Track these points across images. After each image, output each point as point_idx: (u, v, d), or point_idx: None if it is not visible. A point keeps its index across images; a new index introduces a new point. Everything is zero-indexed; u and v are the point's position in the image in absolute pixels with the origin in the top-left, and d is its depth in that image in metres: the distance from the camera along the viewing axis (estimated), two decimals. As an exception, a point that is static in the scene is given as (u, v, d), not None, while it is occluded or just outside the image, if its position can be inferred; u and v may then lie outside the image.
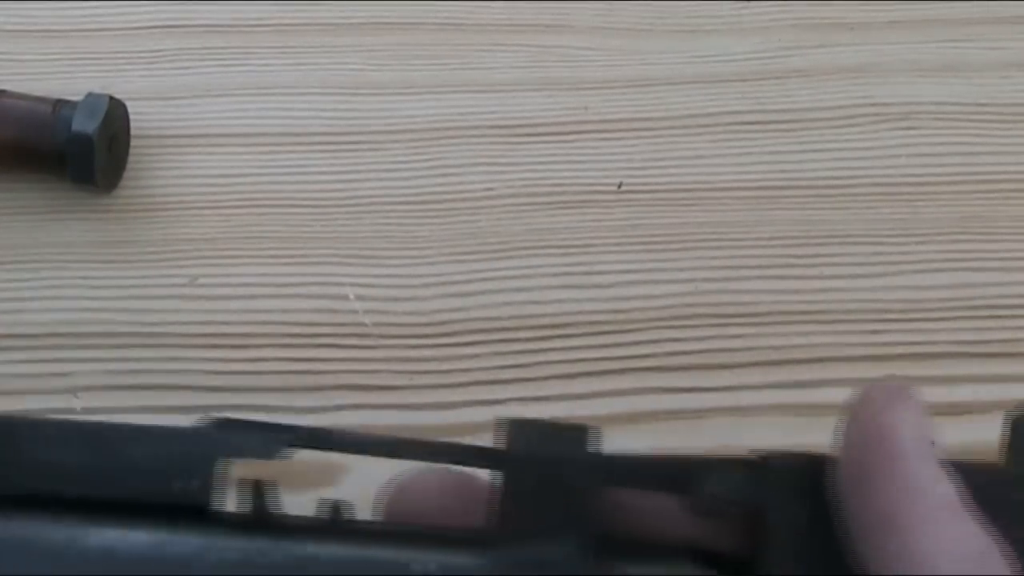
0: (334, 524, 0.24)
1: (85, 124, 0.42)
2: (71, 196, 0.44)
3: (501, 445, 0.24)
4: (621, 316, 0.42)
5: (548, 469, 0.24)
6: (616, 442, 0.29)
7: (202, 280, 0.42)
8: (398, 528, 0.25)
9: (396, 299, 0.42)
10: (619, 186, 0.45)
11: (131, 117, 0.45)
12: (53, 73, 0.47)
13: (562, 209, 0.44)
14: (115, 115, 0.43)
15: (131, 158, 0.45)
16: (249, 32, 0.48)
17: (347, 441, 0.24)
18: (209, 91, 0.47)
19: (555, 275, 0.43)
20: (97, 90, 0.43)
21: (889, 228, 0.44)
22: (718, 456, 0.25)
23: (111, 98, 0.43)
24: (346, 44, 0.48)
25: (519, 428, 0.24)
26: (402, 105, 0.46)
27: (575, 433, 0.25)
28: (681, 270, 0.43)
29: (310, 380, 0.40)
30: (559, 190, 0.45)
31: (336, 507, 0.25)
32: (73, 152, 0.42)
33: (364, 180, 0.45)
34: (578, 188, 0.45)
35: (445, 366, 0.41)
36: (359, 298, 0.42)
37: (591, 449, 0.24)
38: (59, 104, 0.43)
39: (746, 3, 0.49)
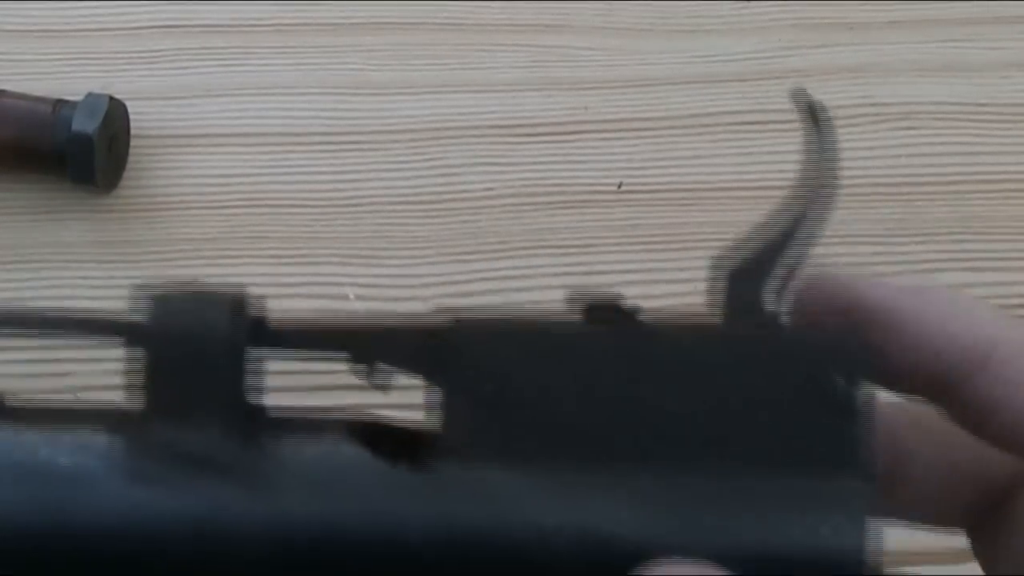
0: None
1: (85, 124, 0.42)
2: (71, 196, 0.44)
3: (143, 317, 0.23)
4: (621, 316, 0.42)
5: (191, 340, 0.22)
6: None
7: (202, 280, 0.42)
8: (48, 408, 0.24)
9: (396, 299, 0.42)
10: (619, 186, 0.45)
11: (131, 117, 0.45)
12: (53, 73, 0.47)
13: (562, 209, 0.44)
14: (115, 115, 0.43)
15: (131, 158, 0.45)
16: (249, 32, 0.48)
17: None
18: (209, 91, 0.47)
19: (555, 275, 0.43)
20: (97, 90, 0.43)
21: (889, 228, 0.44)
22: (401, 322, 0.23)
23: (111, 98, 0.43)
24: (346, 44, 0.48)
25: (161, 298, 0.23)
26: (402, 105, 0.46)
27: (226, 299, 0.23)
28: (681, 270, 0.43)
29: (310, 380, 0.40)
30: (559, 190, 0.45)
31: None
32: (73, 152, 0.42)
33: (364, 180, 0.45)
34: (578, 188, 0.45)
35: (445, 366, 0.41)
36: (359, 298, 0.42)
37: (242, 316, 0.23)
38: (59, 104, 0.43)
39: (746, 3, 0.49)
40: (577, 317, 0.23)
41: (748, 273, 0.23)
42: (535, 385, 0.22)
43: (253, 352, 0.24)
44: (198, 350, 0.23)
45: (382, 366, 0.23)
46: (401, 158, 0.45)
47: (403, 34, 0.48)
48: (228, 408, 0.23)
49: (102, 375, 0.41)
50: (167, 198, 0.44)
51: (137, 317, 0.23)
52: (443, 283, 0.42)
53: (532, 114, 0.46)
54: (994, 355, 0.21)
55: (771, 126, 0.46)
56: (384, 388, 0.23)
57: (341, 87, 0.47)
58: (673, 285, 0.43)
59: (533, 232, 0.44)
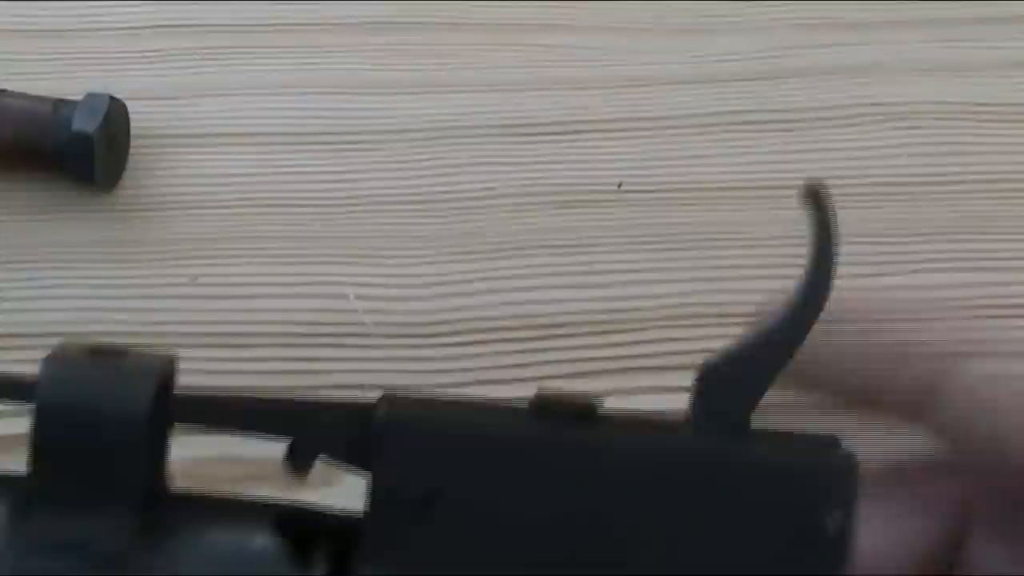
0: None
1: (85, 124, 0.42)
2: (71, 196, 0.44)
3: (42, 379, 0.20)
4: (621, 316, 0.42)
5: (85, 415, 0.19)
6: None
7: (202, 280, 0.42)
8: None
9: (396, 299, 0.42)
10: (619, 186, 0.45)
11: (131, 117, 0.45)
12: (53, 73, 0.47)
13: (562, 209, 0.44)
14: (115, 115, 0.43)
15: (131, 158, 0.45)
16: (249, 32, 0.48)
17: None
18: (209, 91, 0.47)
19: (555, 275, 0.43)
20: (97, 90, 0.43)
21: (889, 228, 0.44)
22: (334, 400, 0.20)
23: (111, 98, 0.43)
24: (346, 44, 0.48)
25: (57, 363, 0.20)
26: (402, 105, 0.46)
27: (129, 370, 0.20)
28: (681, 270, 0.43)
29: (310, 380, 0.40)
30: (559, 190, 0.45)
31: None
32: (73, 152, 0.42)
33: (364, 180, 0.45)
34: (578, 188, 0.45)
35: (445, 366, 0.41)
36: (359, 298, 0.42)
37: (146, 388, 0.20)
38: (59, 104, 0.43)
39: (747, 3, 0.49)
40: (524, 411, 0.20)
41: (724, 377, 0.21)
42: (467, 487, 0.19)
43: (167, 429, 0.21)
44: (101, 430, 0.19)
45: (303, 450, 0.20)
46: (401, 158, 0.45)
47: (403, 34, 0.48)
48: (134, 493, 0.19)
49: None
50: (167, 198, 0.44)
51: (33, 378, 0.20)
52: (443, 283, 0.42)
53: (532, 114, 0.46)
54: None
55: (771, 126, 0.46)
56: (302, 475, 0.21)
57: (341, 87, 0.47)
58: (673, 285, 0.43)
59: (533, 232, 0.44)
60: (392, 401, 0.20)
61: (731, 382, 0.21)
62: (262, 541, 0.19)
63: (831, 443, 0.20)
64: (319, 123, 0.46)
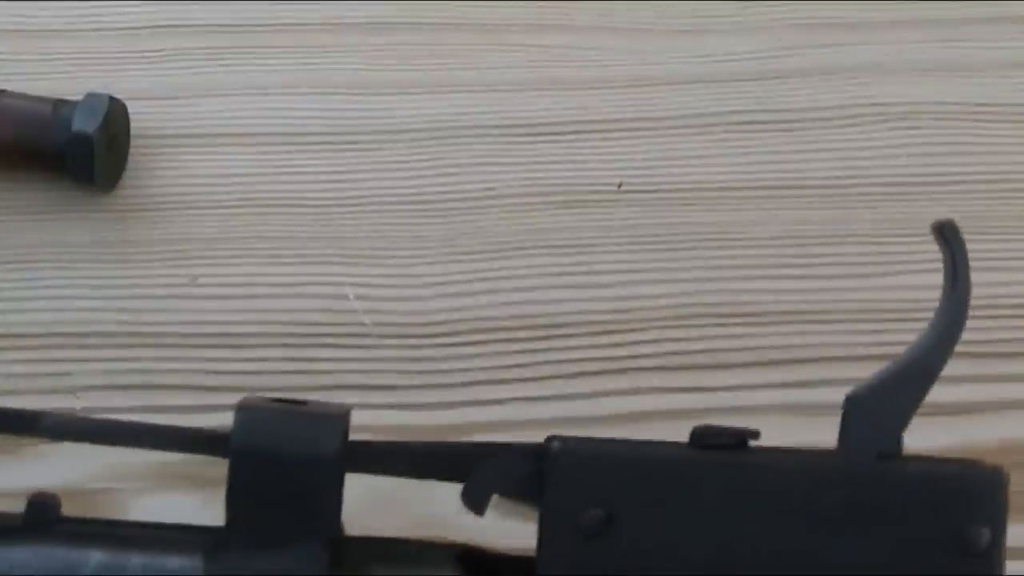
0: (43, 522, 0.22)
1: (85, 124, 0.42)
2: (71, 196, 0.44)
3: (234, 431, 0.21)
4: (621, 316, 0.42)
5: (278, 460, 0.21)
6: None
7: (202, 280, 0.42)
8: (116, 528, 0.22)
9: (396, 299, 0.42)
10: (619, 186, 0.45)
11: (131, 117, 0.45)
12: (53, 73, 0.47)
13: (562, 209, 0.44)
14: (115, 115, 0.43)
15: (131, 158, 0.45)
16: (249, 32, 0.48)
17: (56, 426, 0.22)
18: (209, 91, 0.47)
19: (555, 275, 0.43)
20: (97, 90, 0.43)
21: (889, 228, 0.44)
22: (501, 442, 0.22)
23: (111, 98, 0.43)
24: (346, 44, 0.48)
25: (249, 412, 0.21)
26: (402, 105, 0.46)
27: (315, 418, 0.21)
28: (681, 270, 0.43)
29: (310, 380, 0.40)
30: (559, 190, 0.45)
31: (44, 505, 0.22)
32: (73, 152, 0.42)
33: (364, 180, 0.45)
34: (578, 188, 0.45)
35: (445, 366, 0.41)
36: (359, 298, 0.42)
37: (333, 435, 0.21)
38: (59, 104, 0.43)
39: (747, 3, 0.49)
40: (683, 443, 0.21)
41: (872, 404, 0.22)
42: (637, 512, 0.20)
43: (348, 476, 0.22)
44: (294, 472, 0.21)
45: (478, 490, 0.22)
46: (401, 158, 0.45)
47: (403, 34, 0.48)
48: (325, 530, 0.21)
49: (102, 375, 0.41)
50: (167, 198, 0.44)
51: (225, 432, 0.21)
52: (443, 283, 0.42)
53: (532, 114, 0.46)
54: None
55: (771, 126, 0.46)
56: (480, 511, 0.22)
57: (341, 87, 0.47)
58: (673, 285, 0.43)
59: (533, 232, 0.44)
60: (561, 439, 0.21)
61: (878, 409, 0.22)
62: (446, 566, 0.21)
63: (979, 464, 0.21)
64: (319, 123, 0.46)
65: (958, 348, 0.42)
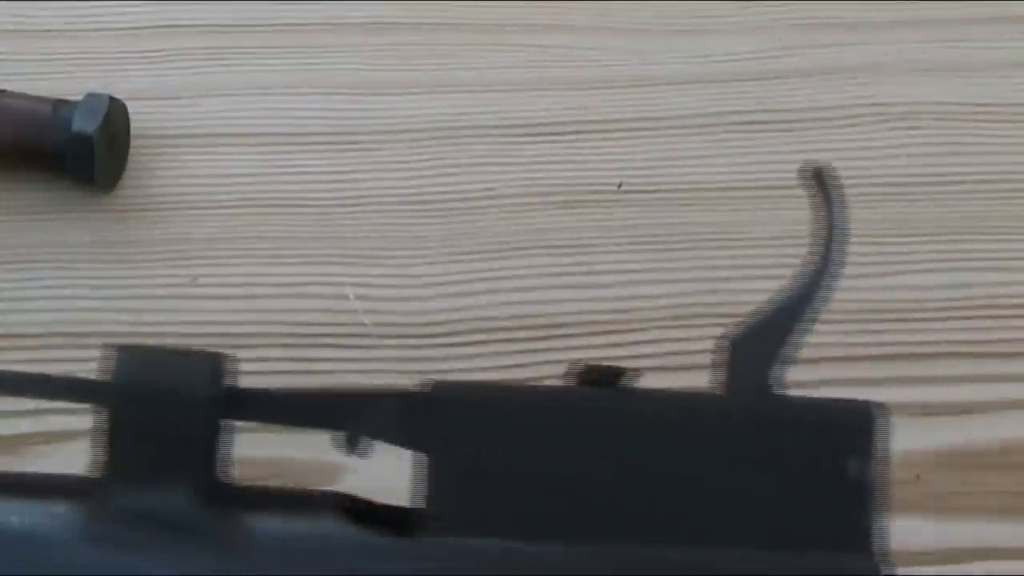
0: None
1: (85, 124, 0.42)
2: (71, 196, 0.44)
3: (107, 377, 0.21)
4: (621, 316, 0.42)
5: (163, 401, 0.21)
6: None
7: (202, 280, 0.42)
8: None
9: (396, 299, 0.42)
10: (619, 186, 0.45)
11: (131, 117, 0.45)
12: (53, 73, 0.47)
13: (562, 209, 0.44)
14: (115, 115, 0.43)
15: (131, 158, 0.45)
16: (249, 32, 0.48)
17: None
18: (209, 91, 0.47)
19: (555, 275, 0.43)
20: (97, 90, 0.43)
21: (889, 228, 0.44)
22: (378, 388, 0.23)
23: (111, 98, 0.43)
24: (346, 44, 0.48)
25: (128, 357, 0.21)
26: (402, 105, 0.46)
27: (199, 363, 0.22)
28: (681, 270, 0.43)
29: (310, 380, 0.40)
30: (559, 190, 0.45)
31: None
32: (73, 152, 0.42)
33: (364, 180, 0.45)
34: (578, 188, 0.45)
35: (445, 366, 0.41)
36: (359, 298, 0.42)
37: (221, 381, 0.21)
38: (59, 104, 0.43)
39: (747, 3, 0.49)
40: (567, 383, 0.22)
41: (751, 344, 0.23)
42: (521, 451, 0.21)
43: (227, 423, 0.22)
44: (170, 412, 0.21)
45: (362, 436, 0.22)
46: (401, 158, 0.45)
47: (403, 34, 0.48)
48: (199, 472, 0.21)
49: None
50: (167, 198, 0.44)
51: (102, 377, 0.22)
52: (443, 283, 0.42)
53: (532, 114, 0.46)
54: None
55: (771, 126, 0.46)
56: (365, 455, 0.22)
57: (341, 87, 0.47)
58: (673, 285, 0.43)
59: (533, 232, 0.44)
60: (439, 384, 0.21)
61: (754, 349, 0.22)
62: (326, 512, 0.21)
63: (851, 400, 0.21)
64: (319, 123, 0.46)
65: (958, 348, 0.42)
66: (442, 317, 0.42)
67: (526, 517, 0.21)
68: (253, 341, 0.41)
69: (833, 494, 0.21)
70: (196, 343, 0.41)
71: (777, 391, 0.22)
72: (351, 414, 0.22)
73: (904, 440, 0.40)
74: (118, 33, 0.48)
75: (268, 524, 0.21)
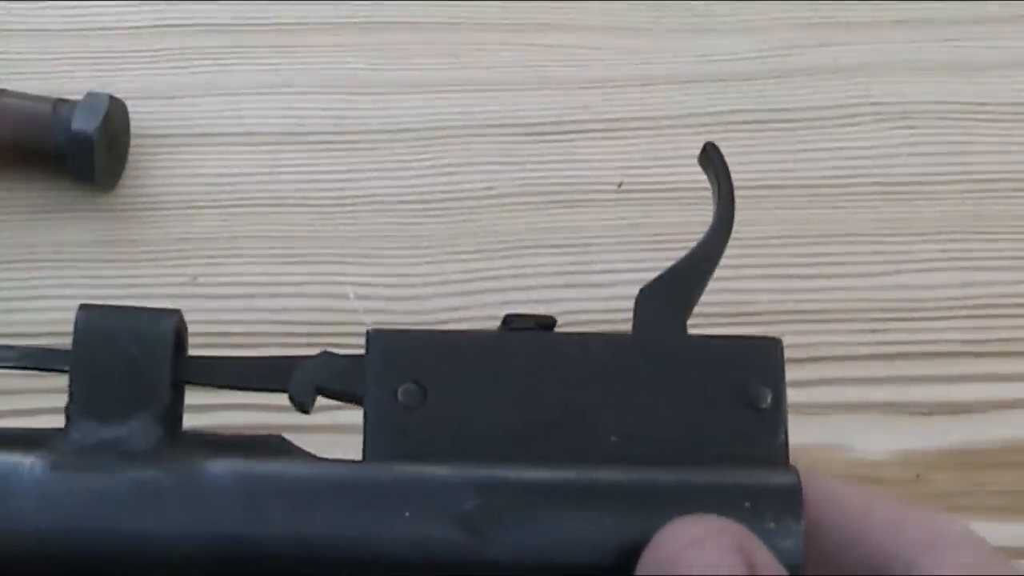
0: None
1: (85, 123, 0.42)
2: (71, 196, 0.44)
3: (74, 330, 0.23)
4: (621, 316, 0.42)
5: (120, 344, 0.23)
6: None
7: (202, 280, 0.42)
8: None
9: (396, 299, 0.42)
10: (619, 186, 0.45)
11: (131, 117, 0.45)
12: (53, 73, 0.47)
13: (562, 209, 0.44)
14: (115, 114, 0.43)
15: (131, 158, 0.45)
16: (249, 32, 0.48)
17: None
18: (209, 91, 0.47)
19: (555, 274, 0.43)
20: (97, 90, 0.43)
21: (889, 228, 0.44)
22: (320, 352, 0.24)
23: (111, 97, 0.43)
24: (346, 44, 0.48)
25: (89, 311, 0.23)
26: (402, 105, 0.46)
27: (160, 312, 0.24)
28: (681, 270, 0.43)
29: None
30: (559, 190, 0.45)
31: None
32: (73, 151, 0.42)
33: (364, 180, 0.45)
34: (578, 188, 0.45)
35: (445, 366, 0.41)
36: (359, 298, 0.42)
37: (167, 323, 0.23)
38: (59, 103, 0.43)
39: (746, 3, 0.49)
40: (494, 328, 0.24)
41: (660, 293, 0.25)
42: (451, 386, 0.23)
43: (181, 382, 0.24)
44: (131, 348, 0.23)
45: (304, 393, 0.24)
46: (401, 158, 0.45)
47: (403, 34, 0.48)
48: (161, 403, 0.23)
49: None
50: (167, 198, 0.44)
51: (64, 348, 0.23)
52: (443, 283, 0.42)
53: (532, 114, 0.46)
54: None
55: (771, 126, 0.46)
56: (306, 408, 0.24)
57: (341, 87, 0.47)
58: (673, 285, 0.43)
59: (533, 232, 0.44)
60: (371, 332, 0.24)
61: (666, 297, 0.25)
62: (278, 448, 0.23)
63: (758, 336, 0.24)
64: (319, 123, 0.46)
65: (959, 348, 0.42)
66: (442, 317, 0.42)
67: (461, 453, 0.22)
68: (253, 341, 0.41)
69: (752, 419, 0.23)
70: (196, 343, 0.41)
71: (686, 332, 0.24)
72: (292, 370, 0.24)
73: (904, 440, 0.40)
74: (118, 33, 0.48)
75: (227, 454, 0.22)
